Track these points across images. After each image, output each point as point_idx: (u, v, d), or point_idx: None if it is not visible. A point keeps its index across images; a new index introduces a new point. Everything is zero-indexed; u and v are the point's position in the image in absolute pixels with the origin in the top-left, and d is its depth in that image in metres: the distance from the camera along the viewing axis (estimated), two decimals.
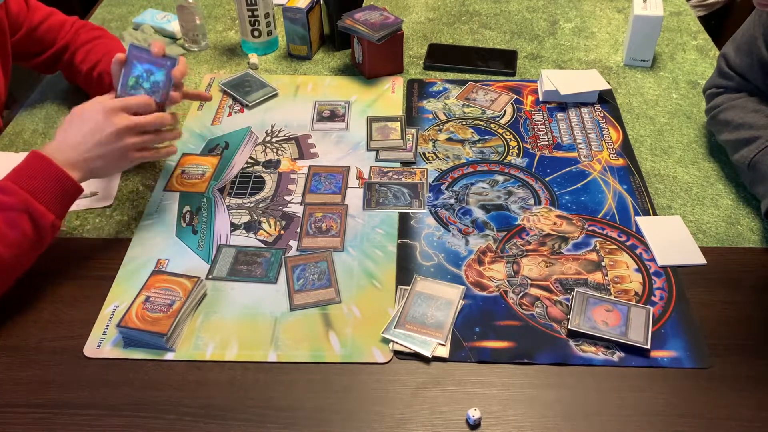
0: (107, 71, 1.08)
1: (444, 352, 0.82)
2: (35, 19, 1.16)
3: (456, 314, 0.86)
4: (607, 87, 1.25)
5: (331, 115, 1.22)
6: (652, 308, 0.87)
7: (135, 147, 0.92)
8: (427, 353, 0.81)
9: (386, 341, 0.83)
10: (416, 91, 1.29)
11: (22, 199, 0.84)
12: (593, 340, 0.84)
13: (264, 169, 1.10)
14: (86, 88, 1.18)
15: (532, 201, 1.04)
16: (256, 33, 1.36)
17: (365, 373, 0.81)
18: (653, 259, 0.94)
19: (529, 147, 1.14)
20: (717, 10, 2.04)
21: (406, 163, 1.11)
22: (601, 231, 0.99)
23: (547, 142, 1.15)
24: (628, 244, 0.96)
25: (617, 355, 0.82)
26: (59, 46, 1.18)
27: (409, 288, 0.89)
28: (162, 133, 0.96)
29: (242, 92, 1.27)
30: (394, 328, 0.84)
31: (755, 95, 1.07)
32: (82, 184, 0.90)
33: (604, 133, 1.18)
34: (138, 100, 0.93)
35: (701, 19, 1.62)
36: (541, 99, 1.26)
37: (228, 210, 1.03)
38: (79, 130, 0.90)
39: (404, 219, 1.01)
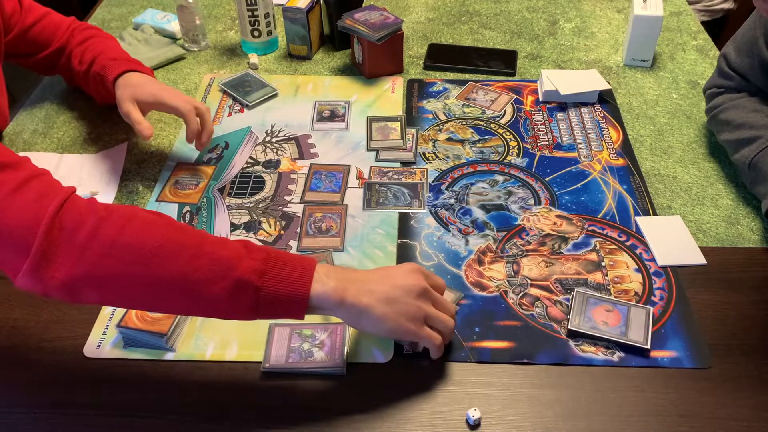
0: (101, 71, 1.09)
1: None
2: (28, 20, 1.14)
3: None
4: (607, 87, 1.25)
5: (331, 115, 1.22)
6: (652, 308, 0.87)
7: (424, 317, 0.76)
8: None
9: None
10: (416, 91, 1.29)
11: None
12: (593, 340, 0.83)
13: (264, 169, 1.10)
14: (85, 89, 1.18)
15: (532, 201, 1.04)
16: (256, 33, 1.36)
17: (365, 373, 0.81)
18: (653, 259, 0.94)
19: (529, 147, 1.14)
20: (719, 18, 2.04)
21: (406, 163, 1.11)
22: (601, 231, 0.99)
23: (547, 142, 1.15)
24: (628, 244, 0.96)
25: (617, 355, 0.82)
26: (55, 47, 1.17)
27: None
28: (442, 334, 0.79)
29: (242, 92, 1.27)
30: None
31: (756, 95, 1.07)
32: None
33: (604, 133, 1.18)
34: (437, 277, 0.81)
35: (704, 24, 1.62)
36: (541, 99, 1.26)
37: (228, 210, 1.03)
38: (383, 269, 0.79)
39: (404, 219, 1.01)
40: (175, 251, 0.69)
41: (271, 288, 0.70)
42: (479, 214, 1.02)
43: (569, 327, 0.84)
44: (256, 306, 0.70)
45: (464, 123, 1.20)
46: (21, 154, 1.13)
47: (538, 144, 1.15)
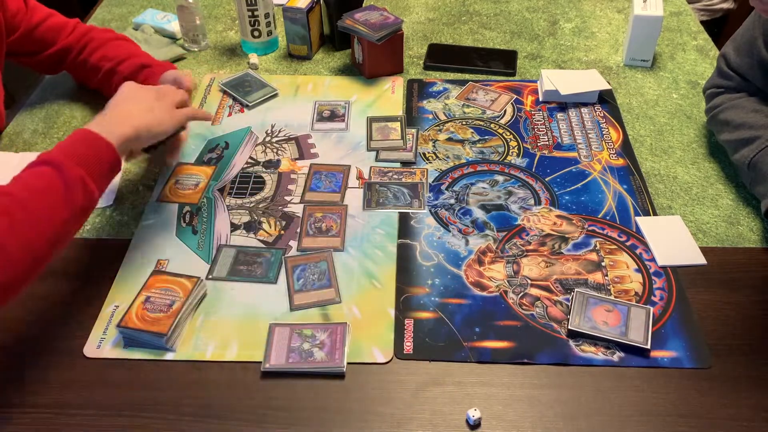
0: (146, 63, 1.15)
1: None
2: (34, 20, 1.16)
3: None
4: (607, 87, 1.25)
5: (331, 115, 1.22)
6: (652, 308, 0.87)
7: (174, 103, 0.98)
8: None
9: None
10: (416, 91, 1.29)
11: (52, 155, 0.82)
12: (593, 340, 0.84)
13: (264, 169, 1.10)
14: (104, 87, 1.18)
15: (532, 201, 1.04)
16: (256, 33, 1.36)
17: (365, 373, 0.81)
18: (653, 259, 0.94)
19: (529, 147, 1.14)
20: (719, 18, 2.04)
21: (406, 163, 1.11)
22: (601, 231, 0.99)
23: (547, 142, 1.15)
24: (628, 244, 0.96)
25: (617, 355, 0.82)
26: (60, 47, 1.18)
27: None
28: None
29: (242, 92, 1.27)
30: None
31: (755, 95, 1.07)
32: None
33: (604, 133, 1.18)
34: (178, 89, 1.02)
35: (704, 24, 1.62)
36: (541, 99, 1.26)
37: (228, 210, 1.03)
38: (129, 98, 0.94)
39: (404, 219, 1.01)
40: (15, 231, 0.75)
41: (95, 171, 0.83)
42: (479, 214, 1.02)
43: (569, 327, 0.84)
44: (95, 194, 0.83)
45: (464, 123, 1.20)
46: (20, 153, 1.14)
47: (538, 144, 1.15)
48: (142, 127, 0.91)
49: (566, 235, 0.98)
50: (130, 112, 0.92)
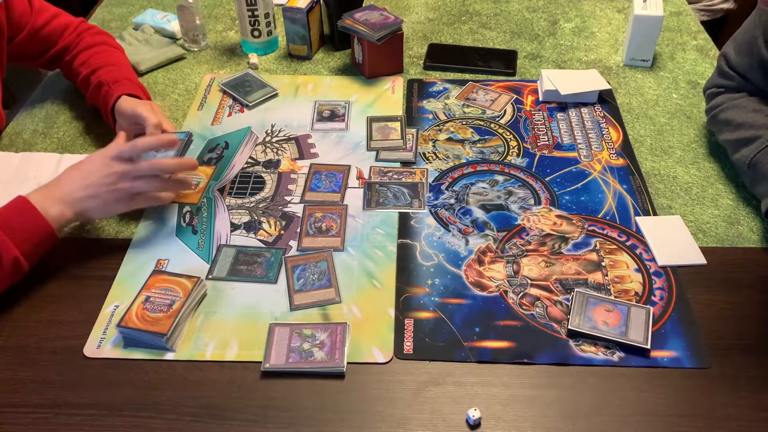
0: (107, 81, 1.09)
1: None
2: (39, 21, 1.15)
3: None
4: (607, 87, 1.25)
5: (331, 115, 1.22)
6: (652, 308, 0.87)
7: (129, 192, 0.92)
8: None
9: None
10: (416, 91, 1.29)
11: None
12: (593, 340, 0.84)
13: (264, 169, 1.10)
14: (83, 90, 1.18)
15: (532, 201, 1.04)
16: (256, 33, 1.36)
17: (365, 373, 0.81)
18: (653, 259, 0.94)
19: (529, 147, 1.14)
20: (719, 18, 2.04)
21: (406, 163, 1.11)
22: (601, 231, 0.99)
23: (547, 142, 1.15)
24: (628, 244, 0.96)
25: (617, 355, 0.82)
26: (60, 46, 1.18)
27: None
28: (163, 180, 0.95)
29: (242, 92, 1.27)
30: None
31: (755, 95, 1.07)
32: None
33: (604, 133, 1.18)
34: (130, 145, 0.93)
35: (704, 24, 1.62)
36: (541, 99, 1.26)
37: (228, 210, 1.03)
38: (75, 170, 0.92)
39: (404, 219, 1.01)
40: None
41: (28, 249, 0.86)
42: (479, 214, 1.02)
43: (569, 327, 0.84)
44: (24, 267, 0.86)
45: (464, 123, 1.20)
46: (20, 153, 1.14)
47: (538, 144, 1.15)
48: (82, 212, 0.91)
49: (566, 235, 0.98)
50: (74, 191, 0.90)
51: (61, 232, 0.91)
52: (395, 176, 1.08)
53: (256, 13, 1.33)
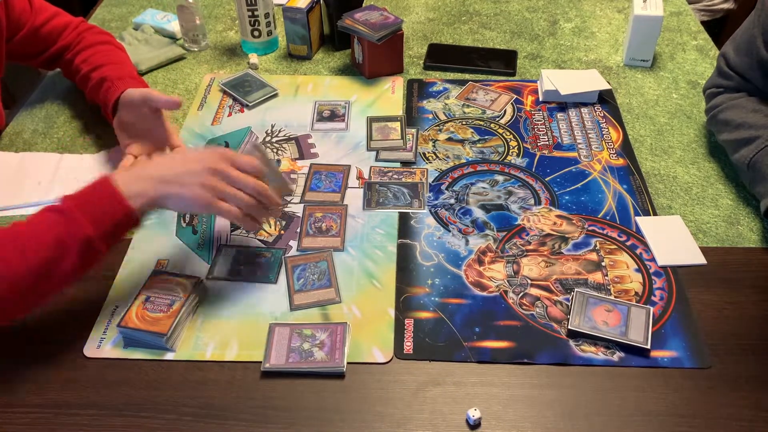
0: (110, 77, 1.08)
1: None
2: (38, 20, 1.15)
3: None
4: (607, 87, 1.25)
5: (331, 115, 1.22)
6: (652, 308, 0.87)
7: (215, 192, 0.82)
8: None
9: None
10: (416, 91, 1.29)
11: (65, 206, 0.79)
12: (593, 340, 0.84)
13: None
14: (82, 87, 1.17)
15: (532, 201, 1.04)
16: (256, 33, 1.36)
17: (365, 373, 0.81)
18: (653, 259, 0.94)
19: (529, 147, 1.14)
20: (719, 18, 2.04)
21: (406, 163, 1.11)
22: (601, 231, 0.99)
23: (547, 142, 1.15)
24: (628, 244, 0.96)
25: (617, 355, 0.82)
26: (60, 45, 1.18)
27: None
28: (258, 204, 0.86)
29: (242, 92, 1.27)
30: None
31: (755, 95, 1.07)
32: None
33: (604, 133, 1.18)
34: (249, 159, 0.86)
35: (704, 24, 1.63)
36: (541, 99, 1.26)
37: None
38: (177, 155, 0.90)
39: (404, 219, 1.01)
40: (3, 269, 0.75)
41: (101, 230, 0.79)
42: (479, 214, 1.02)
43: (569, 327, 0.84)
44: (102, 249, 0.80)
45: (464, 123, 1.20)
46: (20, 153, 1.14)
47: (538, 144, 1.15)
48: (164, 195, 0.82)
49: (566, 235, 0.98)
50: (164, 170, 0.83)
51: (144, 211, 0.82)
52: (395, 176, 1.08)
53: (256, 13, 1.33)
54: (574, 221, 1.00)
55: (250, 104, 1.24)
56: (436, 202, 1.04)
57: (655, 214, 1.01)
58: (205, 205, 0.83)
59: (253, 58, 1.36)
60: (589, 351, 0.83)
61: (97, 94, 1.11)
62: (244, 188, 0.84)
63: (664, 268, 0.93)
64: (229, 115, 1.23)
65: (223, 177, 0.83)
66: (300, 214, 1.01)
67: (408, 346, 0.83)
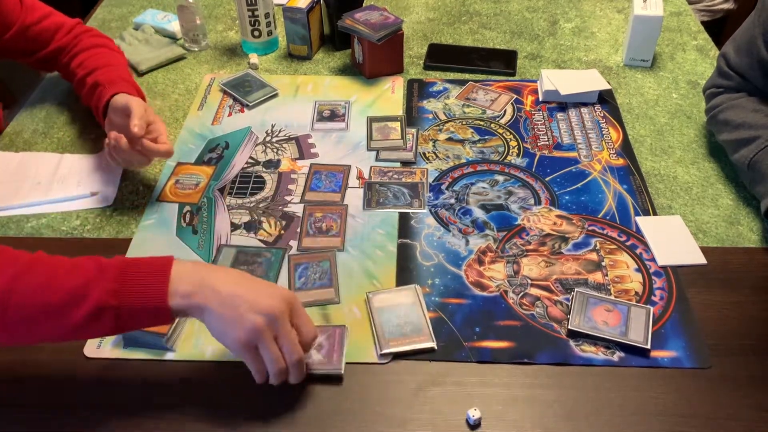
0: (102, 81, 1.08)
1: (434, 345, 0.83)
2: (29, 19, 1.14)
3: (425, 311, 0.86)
4: (607, 87, 1.25)
5: (331, 115, 1.22)
6: (652, 308, 0.87)
7: (259, 341, 0.71)
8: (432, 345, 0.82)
9: (386, 355, 0.83)
10: (416, 91, 1.29)
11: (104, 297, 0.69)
12: (593, 340, 0.84)
13: (264, 169, 1.10)
14: (78, 92, 1.17)
15: (532, 201, 1.04)
16: (256, 33, 1.36)
17: (365, 374, 0.81)
18: (653, 259, 0.94)
19: (529, 147, 1.14)
20: (719, 18, 2.04)
21: (406, 163, 1.11)
22: (601, 231, 0.99)
23: (547, 142, 1.15)
24: (628, 244, 0.96)
25: (617, 355, 0.82)
26: (54, 47, 1.17)
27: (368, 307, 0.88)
28: (282, 369, 0.74)
29: (242, 92, 1.27)
30: (381, 352, 0.82)
31: (755, 95, 1.07)
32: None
33: (604, 133, 1.18)
34: (313, 329, 0.76)
35: (704, 24, 1.63)
36: (541, 99, 1.26)
37: (228, 210, 1.03)
38: (249, 277, 0.76)
39: (404, 219, 1.01)
40: (25, 292, 0.68)
41: (126, 305, 0.69)
42: (479, 214, 1.02)
43: (569, 327, 0.84)
44: (118, 325, 0.70)
45: (464, 123, 1.20)
46: (20, 153, 1.14)
47: (538, 144, 1.15)
48: (203, 306, 0.71)
49: (566, 235, 0.98)
50: (223, 284, 0.72)
51: (178, 313, 0.71)
52: (395, 176, 1.08)
53: (256, 13, 1.33)
54: (574, 221, 1.00)
55: (251, 104, 1.24)
56: (436, 202, 1.04)
57: (655, 214, 1.01)
58: (240, 347, 0.71)
59: (253, 58, 1.36)
60: (589, 351, 0.83)
61: (90, 99, 1.11)
62: (287, 355, 0.73)
63: (664, 268, 0.93)
64: (230, 115, 1.23)
65: (277, 330, 0.72)
66: (300, 214, 1.01)
67: None
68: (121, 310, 0.69)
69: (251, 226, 1.00)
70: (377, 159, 1.12)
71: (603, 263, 0.93)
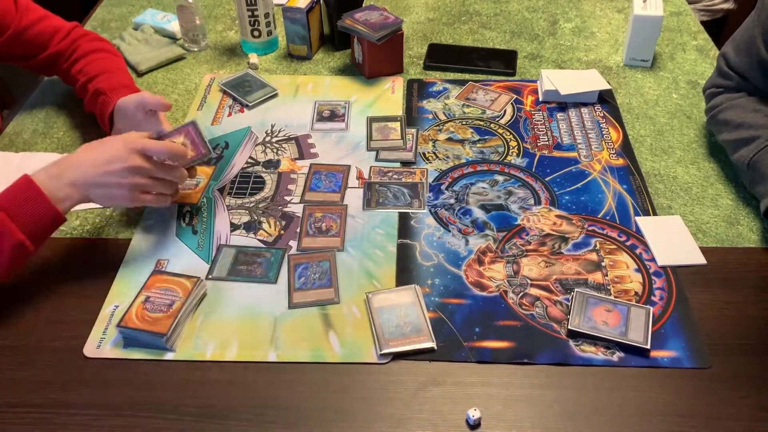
0: (103, 89, 1.08)
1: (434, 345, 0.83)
2: (24, 22, 1.13)
3: (425, 311, 0.86)
4: (607, 87, 1.25)
5: (331, 115, 1.22)
6: (652, 308, 0.87)
7: (139, 188, 0.90)
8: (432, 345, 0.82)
9: (386, 355, 0.83)
10: (416, 91, 1.29)
11: None
12: (593, 340, 0.84)
13: (264, 169, 1.10)
14: (80, 97, 1.16)
15: (532, 201, 1.04)
16: (256, 33, 1.36)
17: (365, 373, 0.81)
18: (653, 259, 0.94)
19: (529, 147, 1.14)
20: (719, 18, 2.04)
21: (406, 163, 1.11)
22: (601, 231, 0.99)
23: (547, 142, 1.15)
24: (628, 244, 0.96)
25: (617, 355, 0.82)
26: (51, 51, 1.16)
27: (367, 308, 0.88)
28: (172, 183, 0.95)
29: (242, 92, 1.27)
30: (380, 352, 0.82)
31: (755, 95, 1.07)
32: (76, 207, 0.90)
33: (604, 133, 1.18)
34: (160, 146, 0.92)
35: (704, 24, 1.63)
36: (541, 99, 1.26)
37: (228, 210, 1.03)
38: (92, 153, 0.89)
39: (404, 219, 1.01)
40: None
41: (30, 235, 0.84)
42: (479, 214, 1.02)
43: (569, 327, 0.84)
44: (33, 249, 0.85)
45: (464, 123, 1.20)
46: (20, 153, 1.14)
47: (538, 144, 1.15)
48: (88, 197, 0.89)
49: (566, 235, 0.98)
50: (86, 176, 0.87)
51: (68, 213, 0.89)
52: (395, 176, 1.08)
53: (256, 13, 1.33)
54: (574, 221, 1.00)
55: (250, 104, 1.24)
56: (436, 202, 1.04)
57: (655, 214, 1.01)
58: (129, 200, 0.91)
59: (253, 58, 1.36)
60: (589, 351, 0.83)
61: (93, 107, 1.11)
62: (159, 176, 0.92)
63: (663, 268, 0.93)
64: (229, 115, 1.23)
65: (143, 173, 0.90)
66: (300, 214, 1.01)
67: None
68: (31, 238, 0.84)
69: (251, 226, 1.00)
70: (377, 159, 1.12)
71: (603, 263, 0.93)
